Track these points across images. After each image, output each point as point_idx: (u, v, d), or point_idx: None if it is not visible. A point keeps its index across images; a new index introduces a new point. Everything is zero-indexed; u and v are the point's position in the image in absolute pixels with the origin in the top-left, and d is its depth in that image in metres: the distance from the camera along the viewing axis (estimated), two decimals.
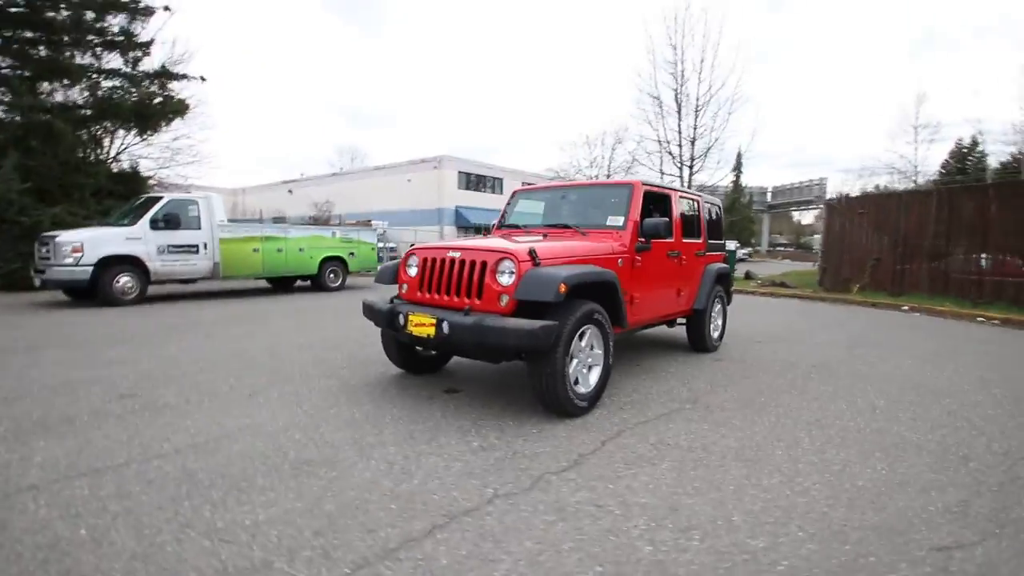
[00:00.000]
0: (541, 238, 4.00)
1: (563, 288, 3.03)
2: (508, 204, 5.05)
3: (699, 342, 5.38)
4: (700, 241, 5.27)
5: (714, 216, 5.72)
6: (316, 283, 11.38)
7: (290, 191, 37.72)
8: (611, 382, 3.92)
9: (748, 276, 18.56)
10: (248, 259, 9.97)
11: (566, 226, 4.32)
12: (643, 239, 4.10)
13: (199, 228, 9.20)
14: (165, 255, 8.77)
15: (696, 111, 18.25)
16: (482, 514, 2.11)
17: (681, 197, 4.96)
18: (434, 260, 3.59)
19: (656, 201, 4.60)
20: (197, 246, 9.17)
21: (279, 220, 20.41)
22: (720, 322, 5.76)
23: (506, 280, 3.20)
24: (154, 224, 8.64)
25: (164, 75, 13.36)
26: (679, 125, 18.48)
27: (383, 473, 2.46)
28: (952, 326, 8.22)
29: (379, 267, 4.41)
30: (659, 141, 19.20)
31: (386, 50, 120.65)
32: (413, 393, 3.77)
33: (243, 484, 2.31)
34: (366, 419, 3.20)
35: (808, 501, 2.31)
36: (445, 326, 3.16)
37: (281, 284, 11.73)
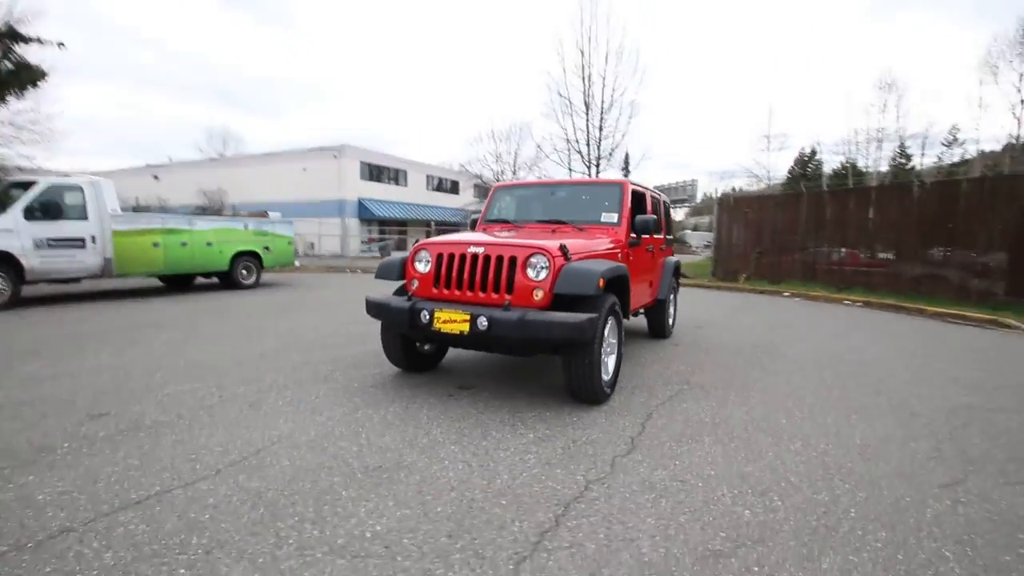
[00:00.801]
0: (550, 232, 4.11)
1: (602, 283, 3.18)
2: (491, 200, 5.06)
3: (659, 330, 5.86)
4: (662, 236, 5.74)
5: (666, 212, 6.24)
6: (227, 280, 10.26)
7: (156, 177, 33.16)
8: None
9: None
10: (146, 255, 8.69)
11: (560, 221, 4.46)
12: (634, 235, 4.39)
13: (85, 219, 7.82)
14: (44, 250, 7.35)
15: (602, 113, 19.38)
16: (590, 500, 2.21)
17: (651, 195, 5.35)
18: (451, 256, 3.53)
19: (633, 199, 4.92)
20: (84, 239, 7.80)
21: (166, 211, 17.74)
22: (672, 311, 6.32)
23: (538, 275, 3.27)
24: (29, 214, 7.19)
25: (11, 36, 11.02)
26: (587, 125, 19.49)
27: (469, 472, 2.43)
28: (831, 308, 9.78)
29: (381, 261, 4.20)
30: (567, 140, 20.09)
31: (271, 35, 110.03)
32: (428, 391, 3.69)
33: (328, 497, 2.15)
34: (401, 420, 3.09)
35: (832, 459, 2.72)
36: (482, 322, 3.15)
37: (176, 283, 10.39)
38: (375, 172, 30.34)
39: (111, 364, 4.25)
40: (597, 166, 19.80)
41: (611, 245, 4.11)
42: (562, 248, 3.32)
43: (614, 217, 4.36)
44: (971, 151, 39.65)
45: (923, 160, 42.79)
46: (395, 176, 31.97)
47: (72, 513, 2.00)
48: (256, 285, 10.71)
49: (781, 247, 14.19)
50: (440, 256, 3.59)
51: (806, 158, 48.57)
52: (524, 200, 4.98)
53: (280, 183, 28.19)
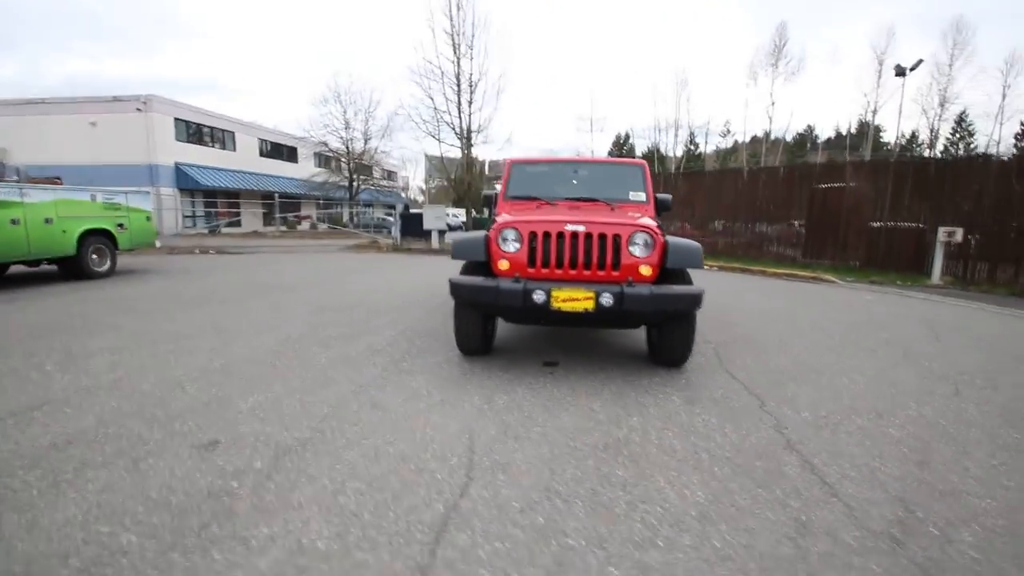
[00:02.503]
0: (594, 209, 4.25)
1: (702, 258, 3.54)
2: (508, 175, 4.98)
3: None
4: None
5: None
6: (72, 268, 7.92)
7: None
8: (631, 339, 4.58)
9: None
10: None
11: (592, 199, 4.65)
12: (657, 212, 4.82)
13: None
14: None
15: (471, 86, 19.35)
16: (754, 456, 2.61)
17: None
18: (547, 234, 3.53)
19: None
20: None
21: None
22: None
23: (641, 252, 3.49)
24: None
25: None
26: (458, 97, 19.28)
27: (666, 439, 2.62)
28: (756, 279, 11.70)
29: (456, 239, 3.89)
30: (435, 109, 19.65)
31: None
32: (519, 373, 3.65)
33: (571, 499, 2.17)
34: (544, 406, 3.08)
35: (888, 403, 3.41)
36: (607, 298, 3.27)
37: None
38: (195, 132, 25.49)
39: (62, 391, 3.21)
40: (469, 139, 19.83)
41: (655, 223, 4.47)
42: (660, 226, 3.58)
43: (642, 196, 4.72)
44: (740, 140, 49.51)
45: (707, 147, 52.02)
46: (221, 139, 27.30)
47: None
48: (111, 273, 8.49)
49: (698, 223, 15.90)
50: (533, 235, 3.55)
51: (622, 141, 55.09)
52: (546, 177, 5.01)
53: (75, 140, 21.96)
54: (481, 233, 3.79)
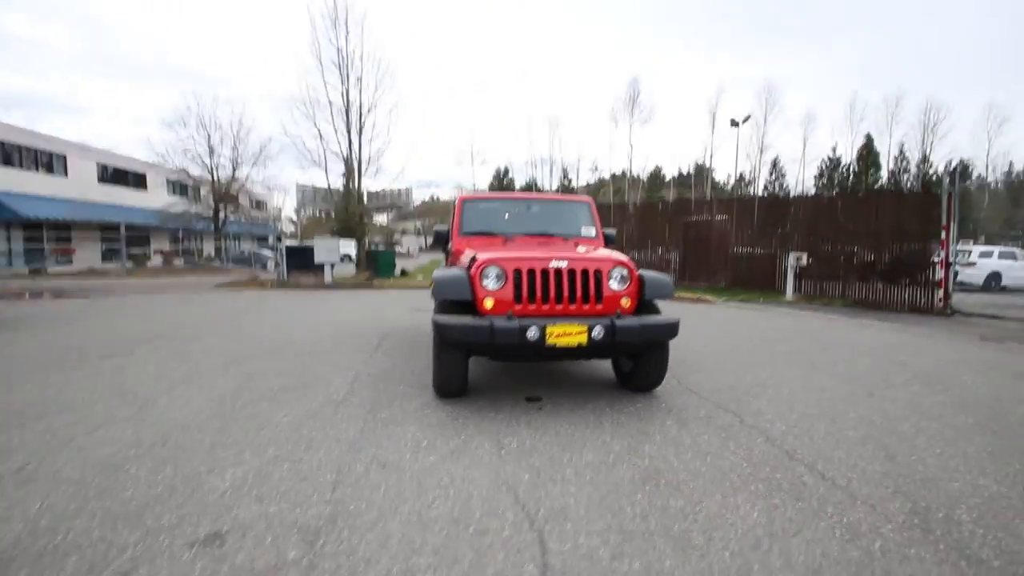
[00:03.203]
0: (550, 244, 4.40)
1: (672, 290, 3.82)
2: (460, 212, 4.92)
3: None
4: None
5: None
6: None
7: None
8: (593, 366, 4.77)
9: (404, 273, 20.64)
10: None
11: (548, 234, 4.79)
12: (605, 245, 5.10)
13: None
14: None
15: (360, 117, 18.83)
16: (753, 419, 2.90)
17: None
18: (532, 271, 3.56)
19: None
20: None
21: None
22: None
23: (619, 285, 3.68)
24: None
25: None
26: (347, 127, 18.60)
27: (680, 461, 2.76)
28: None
29: (438, 278, 3.67)
30: (321, 137, 18.75)
31: None
32: (508, 411, 3.57)
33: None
34: (564, 445, 3.05)
35: (830, 409, 4.07)
36: (598, 331, 3.37)
37: None
38: (10, 154, 21.11)
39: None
40: (359, 170, 19.16)
41: None
42: (632, 260, 3.80)
43: (592, 231, 4.97)
44: (605, 177, 54.56)
45: (578, 181, 56.36)
46: (48, 162, 22.93)
47: None
48: None
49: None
50: (518, 272, 3.55)
51: (501, 175, 57.39)
52: (500, 213, 5.03)
53: None
54: (461, 271, 3.68)
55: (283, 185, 41.31)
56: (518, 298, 3.53)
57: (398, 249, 46.37)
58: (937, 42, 67.39)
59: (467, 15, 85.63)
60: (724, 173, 54.46)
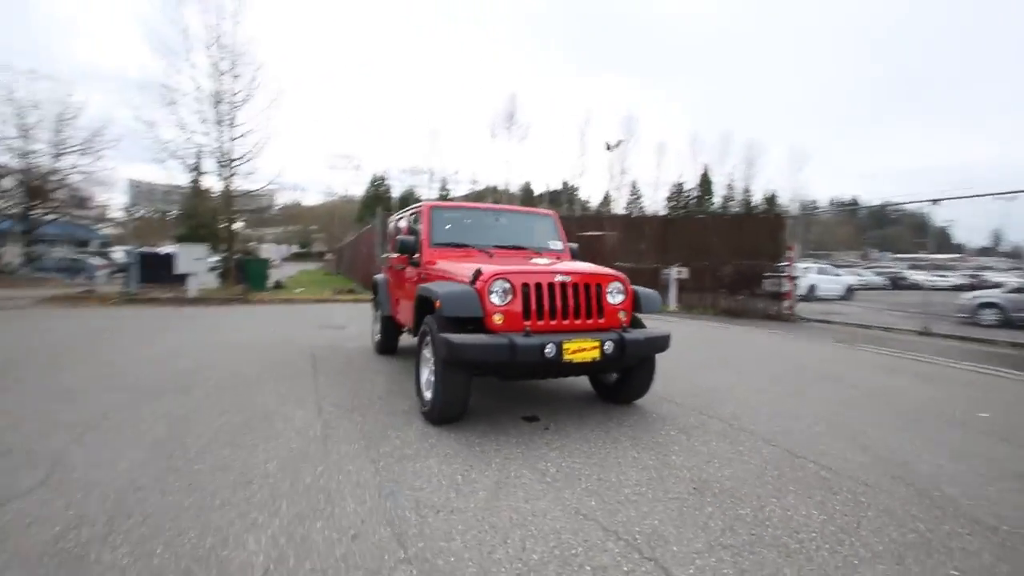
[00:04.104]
0: (524, 257, 4.41)
1: (660, 303, 4.02)
2: (429, 221, 4.61)
3: None
4: None
5: None
6: None
7: None
8: (572, 383, 4.84)
9: (280, 285, 18.86)
10: None
11: (519, 247, 4.73)
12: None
13: None
14: None
15: (232, 108, 16.75)
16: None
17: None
18: (539, 285, 3.50)
19: None
20: None
21: None
22: None
23: (616, 299, 3.78)
24: None
25: None
26: (217, 116, 16.39)
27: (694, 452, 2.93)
28: None
29: (445, 294, 3.35)
30: (183, 128, 16.31)
31: None
32: (521, 436, 3.44)
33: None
34: (564, 473, 3.02)
35: (785, 408, 4.60)
36: (609, 346, 3.41)
37: None
38: None
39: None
40: (231, 167, 16.99)
41: None
42: (624, 276, 3.93)
43: (559, 245, 5.02)
44: (482, 188, 55.71)
45: (458, 191, 56.73)
46: None
47: None
48: None
49: None
50: (525, 287, 3.46)
51: (377, 182, 55.43)
52: (469, 224, 4.82)
53: None
54: (466, 286, 3.46)
55: (109, 180, 34.72)
56: (527, 314, 3.43)
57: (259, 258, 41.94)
58: (758, 91, 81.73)
59: (347, 15, 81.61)
60: (587, 192, 59.32)
